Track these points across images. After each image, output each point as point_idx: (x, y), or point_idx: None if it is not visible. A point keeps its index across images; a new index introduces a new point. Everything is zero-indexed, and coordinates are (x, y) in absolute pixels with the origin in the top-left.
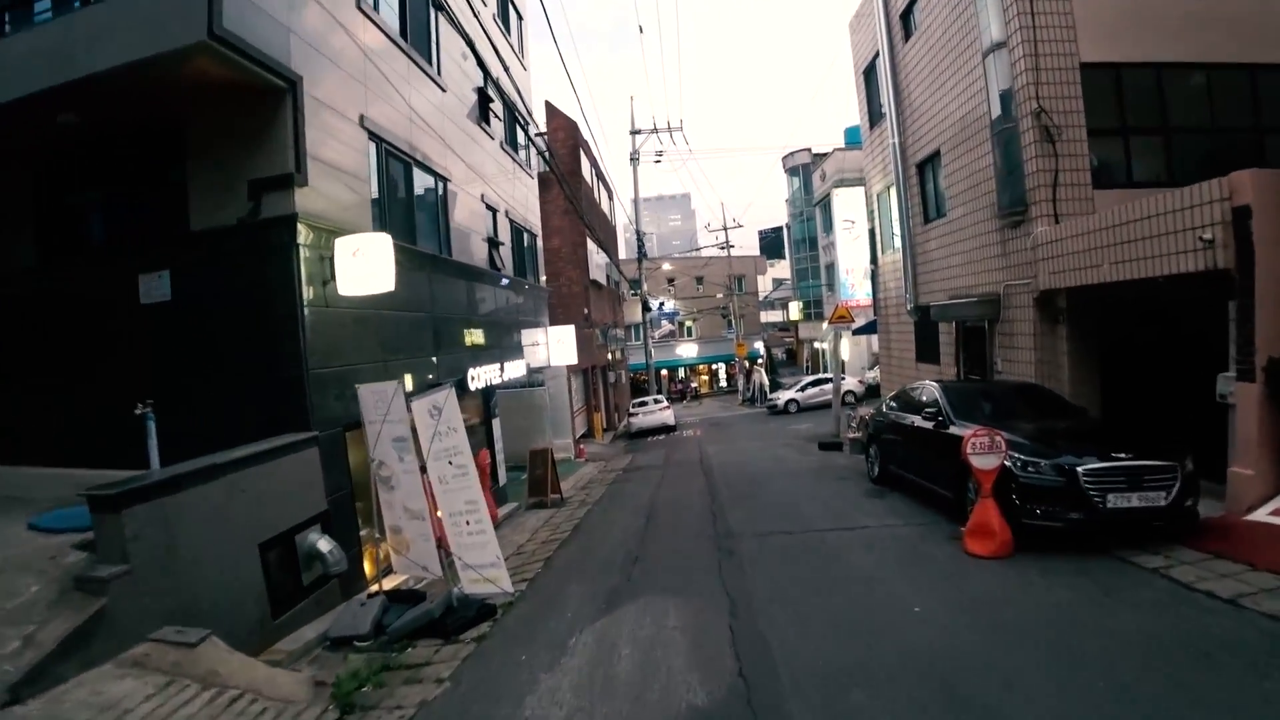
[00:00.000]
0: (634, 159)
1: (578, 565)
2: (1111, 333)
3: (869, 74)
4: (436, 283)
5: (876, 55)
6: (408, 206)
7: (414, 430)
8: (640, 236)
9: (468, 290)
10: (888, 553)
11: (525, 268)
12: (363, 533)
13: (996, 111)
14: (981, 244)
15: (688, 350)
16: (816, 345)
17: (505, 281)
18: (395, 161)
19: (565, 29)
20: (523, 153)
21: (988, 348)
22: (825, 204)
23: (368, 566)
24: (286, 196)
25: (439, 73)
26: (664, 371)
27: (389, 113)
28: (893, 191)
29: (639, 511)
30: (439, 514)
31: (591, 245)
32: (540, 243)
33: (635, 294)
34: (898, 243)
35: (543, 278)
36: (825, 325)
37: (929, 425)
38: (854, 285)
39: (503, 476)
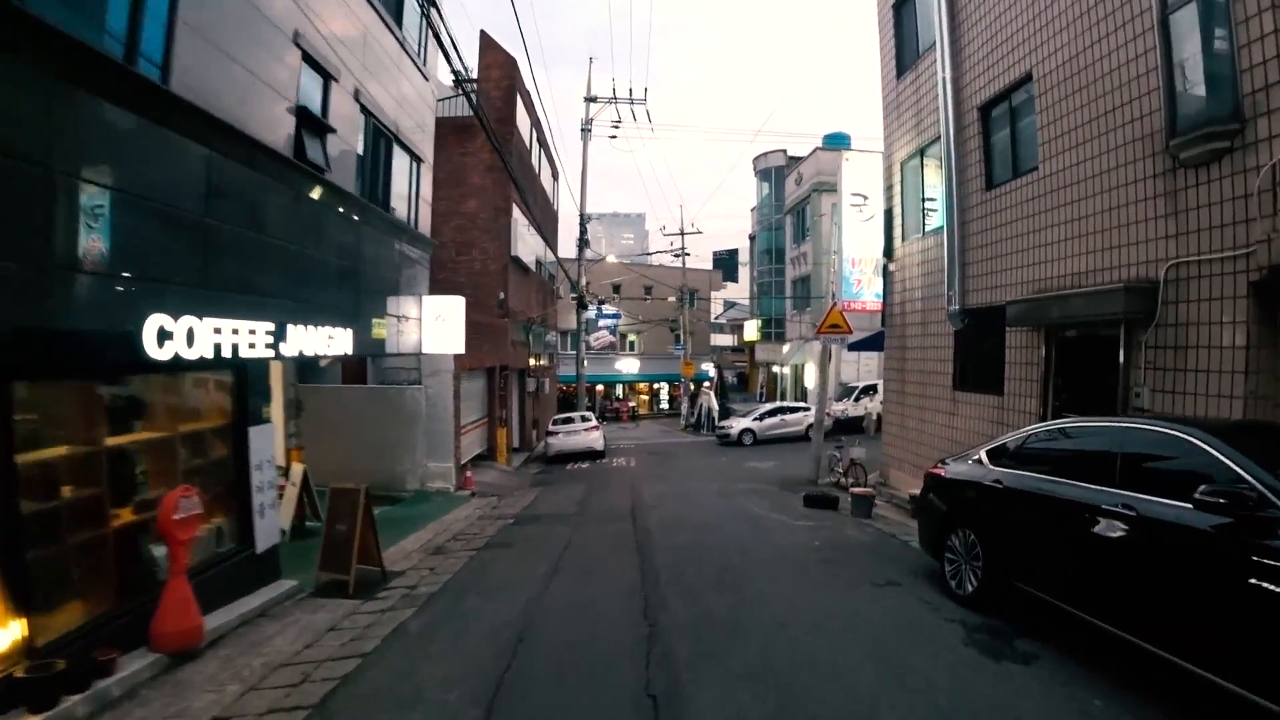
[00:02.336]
0: (586, 129)
1: None
2: None
3: (901, 6)
4: (90, 114)
5: None
6: None
7: None
8: (584, 219)
9: (212, 171)
10: None
11: (389, 196)
12: None
13: None
14: (1118, 202)
15: (629, 365)
16: (776, 369)
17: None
18: None
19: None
20: (411, 33)
21: (1125, 368)
22: (799, 211)
23: None
24: None
25: None
26: (600, 387)
27: None
28: (929, 155)
29: (491, 652)
30: None
31: (519, 215)
32: (427, 176)
33: (575, 297)
34: (933, 223)
35: (423, 220)
36: (786, 348)
37: (1203, 525)
38: (860, 282)
39: (266, 536)
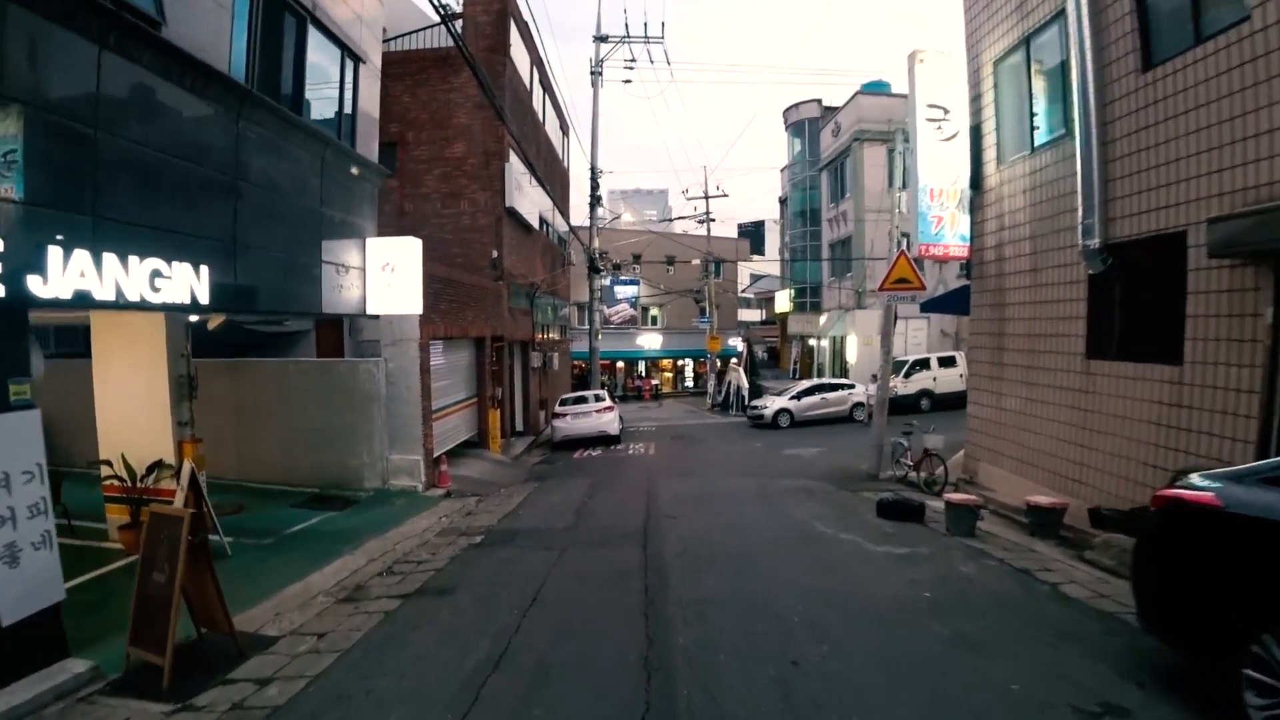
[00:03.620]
0: (596, 73)
1: None
2: None
3: None
4: None
5: None
6: None
7: None
8: (595, 174)
9: None
10: None
11: (301, 94)
12: None
13: None
14: None
15: (650, 341)
16: (812, 343)
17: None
18: None
19: None
20: None
21: None
22: (837, 166)
23: None
24: None
25: None
26: (620, 364)
27: None
28: (1038, 45)
29: None
30: None
31: (515, 161)
32: (372, 82)
33: (589, 260)
34: (1045, 135)
35: (365, 138)
36: (823, 319)
37: None
38: (941, 221)
39: (27, 596)
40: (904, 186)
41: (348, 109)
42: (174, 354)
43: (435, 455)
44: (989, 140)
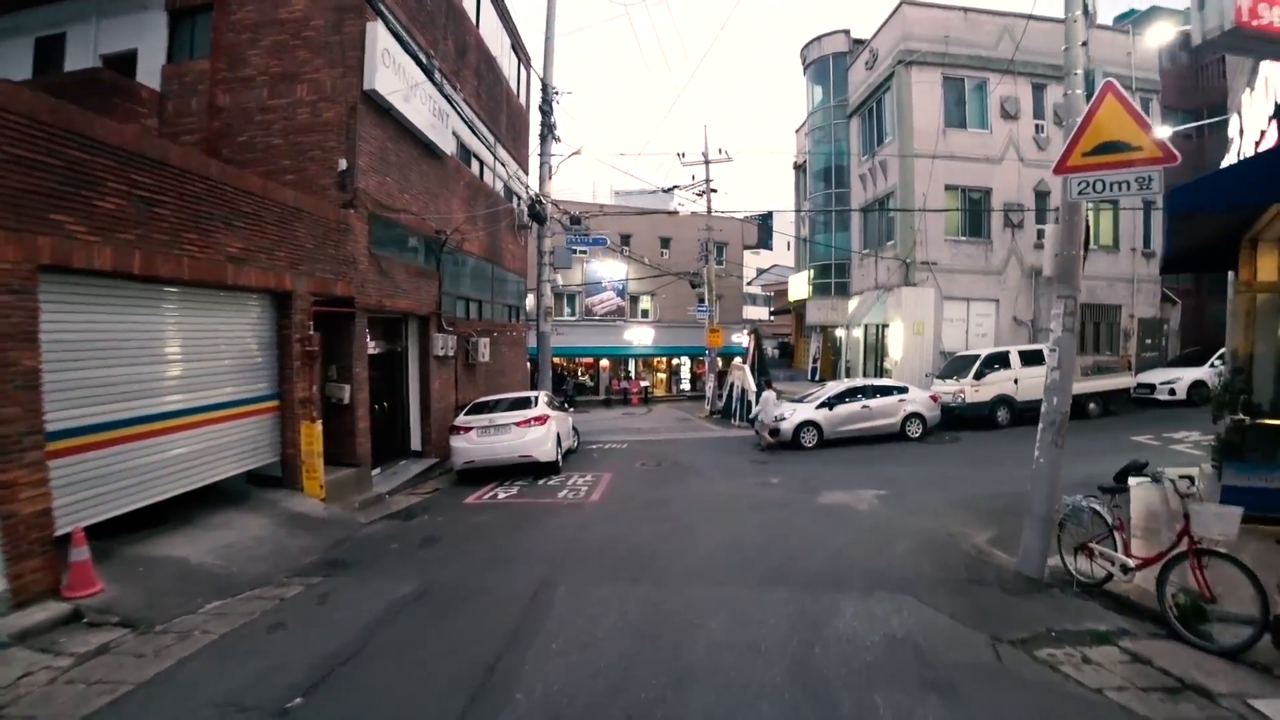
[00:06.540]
0: None
1: None
2: None
3: None
4: None
5: None
6: None
7: None
8: (547, 91)
9: None
10: None
11: None
12: None
13: None
14: None
15: (641, 335)
16: (840, 333)
17: None
18: None
19: None
20: None
21: None
22: (871, 107)
23: None
24: None
25: None
26: (605, 362)
27: None
28: None
29: None
30: None
31: (385, 26)
32: None
33: (530, 202)
34: None
35: None
36: (853, 303)
37: None
38: None
39: None
40: None
41: None
42: None
43: (58, 530)
44: None
